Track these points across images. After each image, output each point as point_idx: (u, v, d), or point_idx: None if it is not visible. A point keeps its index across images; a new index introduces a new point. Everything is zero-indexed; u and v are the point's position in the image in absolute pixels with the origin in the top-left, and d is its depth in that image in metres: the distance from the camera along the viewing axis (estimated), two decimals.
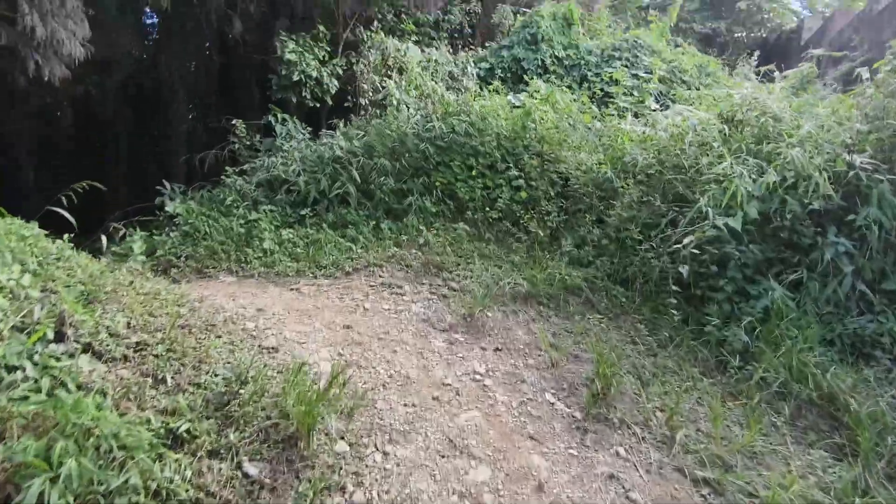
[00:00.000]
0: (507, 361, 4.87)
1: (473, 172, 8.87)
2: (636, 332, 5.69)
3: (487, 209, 8.55)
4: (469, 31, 18.22)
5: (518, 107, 9.90)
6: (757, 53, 15.01)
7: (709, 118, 7.29)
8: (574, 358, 5.01)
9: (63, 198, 5.15)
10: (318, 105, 14.22)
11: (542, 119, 9.33)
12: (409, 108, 10.46)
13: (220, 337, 4.21)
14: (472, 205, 8.69)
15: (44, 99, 15.17)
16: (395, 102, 10.18)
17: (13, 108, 16.24)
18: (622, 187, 7.35)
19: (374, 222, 8.37)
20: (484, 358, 4.90)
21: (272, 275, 6.89)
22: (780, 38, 22.52)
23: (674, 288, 5.78)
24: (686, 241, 5.62)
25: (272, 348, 4.34)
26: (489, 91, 10.10)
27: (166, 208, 8.83)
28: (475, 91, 9.81)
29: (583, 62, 13.66)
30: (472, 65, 10.81)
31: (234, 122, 10.36)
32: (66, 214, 5.10)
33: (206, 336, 4.13)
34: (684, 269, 5.57)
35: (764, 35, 25.49)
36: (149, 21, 18.51)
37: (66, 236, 5.75)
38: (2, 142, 19.58)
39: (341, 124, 10.87)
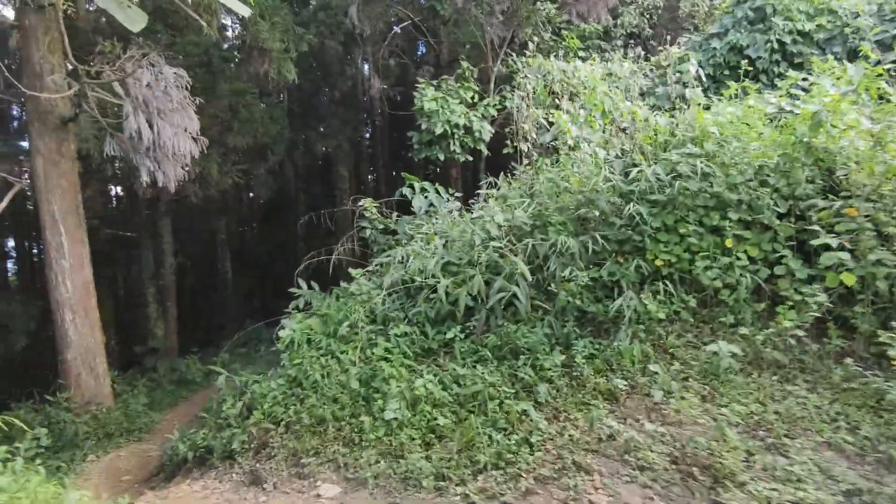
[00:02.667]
0: None
1: (725, 240, 5.15)
2: None
3: (764, 307, 4.76)
4: (649, 31, 14.39)
5: (779, 115, 5.96)
6: None
7: None
8: None
9: None
10: (471, 158, 11.59)
11: (836, 127, 5.27)
12: (589, 144, 7.11)
13: None
14: (730, 299, 4.96)
15: (202, 195, 14.81)
16: (571, 142, 6.92)
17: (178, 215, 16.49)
18: None
19: (560, 345, 5.11)
20: None
21: (396, 481, 3.95)
22: None
23: None
24: None
25: None
26: (722, 99, 6.32)
27: (281, 332, 6.58)
28: (698, 103, 6.12)
29: (847, 30, 9.03)
30: (693, 63, 7.05)
31: (360, 201, 8.00)
32: None
33: None
34: None
35: None
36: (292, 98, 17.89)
37: None
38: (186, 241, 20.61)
39: (499, 183, 7.91)
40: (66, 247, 8.39)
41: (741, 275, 4.96)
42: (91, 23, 10.98)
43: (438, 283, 5.75)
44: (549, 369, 4.75)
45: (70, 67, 8.21)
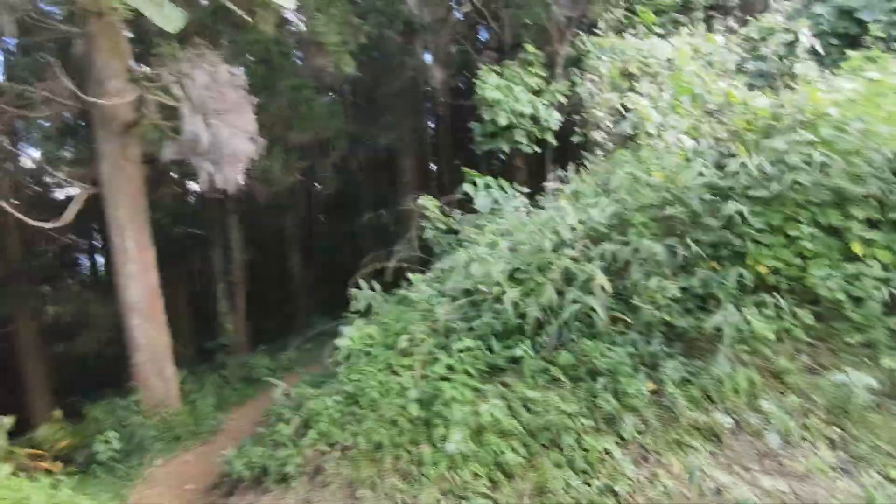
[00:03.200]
0: None
1: (848, 242, 4.31)
2: None
3: None
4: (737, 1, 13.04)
5: None
6: None
7: None
8: None
9: None
10: (538, 149, 10.91)
11: None
12: (674, 132, 6.30)
13: None
14: (856, 315, 4.13)
15: (266, 192, 14.91)
16: (651, 130, 6.15)
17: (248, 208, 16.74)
18: None
19: (645, 367, 4.45)
20: None
21: None
22: None
23: None
24: None
25: None
26: (838, 73, 5.37)
27: (338, 341, 6.27)
28: (808, 79, 5.20)
29: None
30: (806, 32, 6.05)
31: (420, 200, 7.56)
32: None
33: None
34: None
35: None
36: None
37: None
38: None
39: (568, 176, 7.25)
40: (131, 252, 8.47)
41: (871, 285, 4.12)
42: (155, 24, 11.07)
43: (504, 292, 5.21)
44: (635, 397, 4.12)
45: (131, 71, 8.23)
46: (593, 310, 4.86)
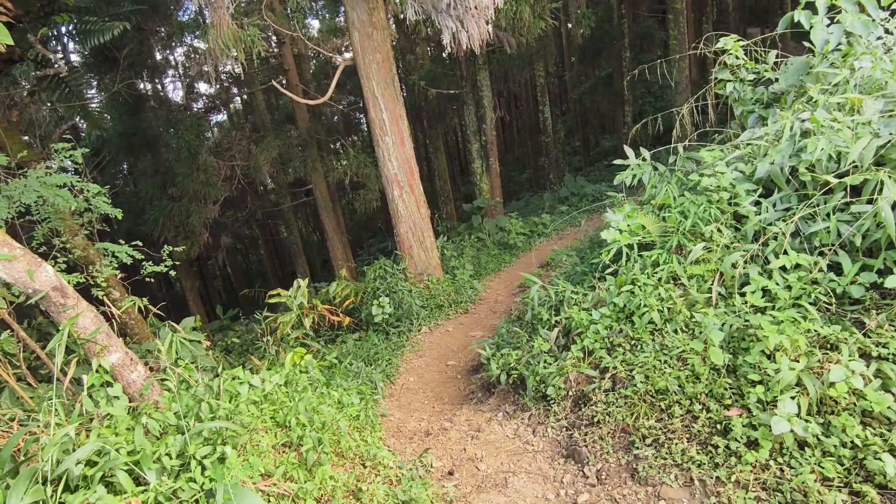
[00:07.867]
0: None
1: None
2: None
3: None
4: None
5: None
6: None
7: None
8: None
9: None
10: None
11: None
12: None
13: None
14: None
15: (515, 42, 13.53)
16: None
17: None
18: None
19: None
20: None
21: None
22: None
23: None
24: None
25: None
26: None
27: (604, 233, 5.19)
28: None
29: None
30: None
31: (722, 40, 5.47)
32: None
33: None
34: None
35: None
36: None
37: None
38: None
39: None
40: (387, 123, 8.33)
41: None
42: None
43: (872, 182, 3.36)
44: None
45: None
46: None
